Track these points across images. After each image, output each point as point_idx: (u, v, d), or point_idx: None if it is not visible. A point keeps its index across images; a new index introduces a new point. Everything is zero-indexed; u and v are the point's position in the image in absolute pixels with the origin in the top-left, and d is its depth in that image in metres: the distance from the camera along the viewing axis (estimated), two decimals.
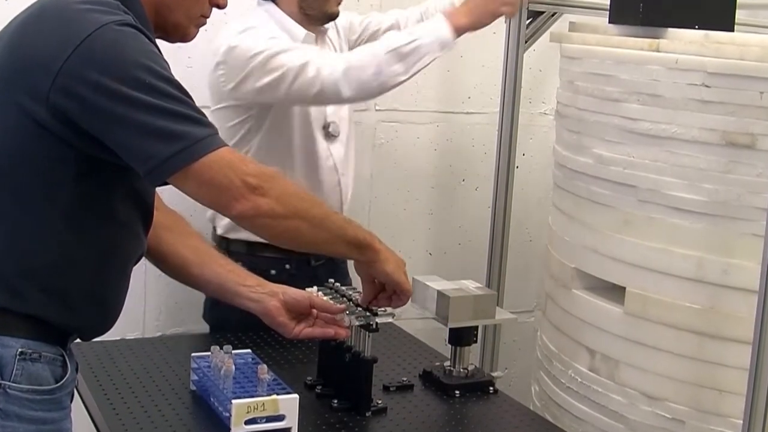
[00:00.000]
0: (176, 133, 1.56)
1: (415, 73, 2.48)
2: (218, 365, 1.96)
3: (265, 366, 1.93)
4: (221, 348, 2.01)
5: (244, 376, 1.97)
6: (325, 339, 2.05)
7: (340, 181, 2.69)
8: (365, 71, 2.42)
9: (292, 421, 1.85)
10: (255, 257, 2.55)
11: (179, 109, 1.57)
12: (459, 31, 2.47)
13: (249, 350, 2.12)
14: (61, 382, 1.67)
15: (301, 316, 1.97)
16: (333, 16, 2.67)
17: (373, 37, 2.80)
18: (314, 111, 2.64)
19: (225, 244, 2.65)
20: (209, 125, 1.61)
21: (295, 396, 1.87)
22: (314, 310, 1.99)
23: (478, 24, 2.52)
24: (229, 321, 2.39)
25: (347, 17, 2.82)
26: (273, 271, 2.56)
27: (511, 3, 2.57)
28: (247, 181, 1.60)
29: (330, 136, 2.67)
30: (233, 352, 2.01)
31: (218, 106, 2.63)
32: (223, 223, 2.66)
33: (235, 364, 1.95)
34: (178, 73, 3.27)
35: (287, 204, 1.66)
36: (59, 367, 1.67)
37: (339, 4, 2.65)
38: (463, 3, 2.56)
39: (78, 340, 1.77)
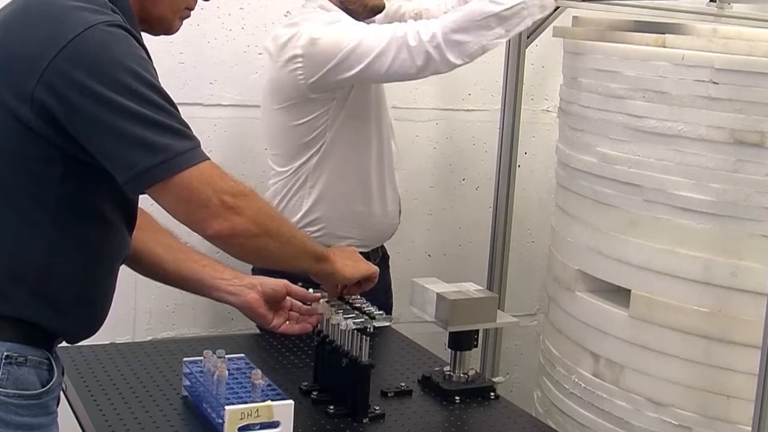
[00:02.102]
0: (159, 145, 1.57)
1: (511, 36, 2.54)
2: (211, 370, 1.96)
3: (259, 371, 1.93)
4: (214, 353, 2.00)
5: (237, 382, 1.97)
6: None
7: (395, 176, 2.76)
8: (466, 35, 2.43)
9: (287, 427, 1.85)
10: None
11: (163, 120, 1.58)
12: None
13: (243, 355, 2.12)
14: (48, 386, 1.67)
15: (277, 305, 2.04)
16: (377, 9, 2.67)
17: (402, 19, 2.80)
18: (385, 101, 2.69)
19: None
20: (192, 138, 1.62)
21: (290, 402, 1.87)
22: (288, 298, 2.05)
23: None
24: None
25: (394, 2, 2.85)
26: None
27: None
28: (224, 200, 1.63)
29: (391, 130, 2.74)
30: (226, 356, 2.01)
31: (288, 102, 2.63)
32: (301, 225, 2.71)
33: (228, 369, 1.95)
34: (169, 68, 3.29)
35: (260, 223, 1.70)
36: (45, 370, 1.67)
37: None
38: None
39: (64, 343, 1.77)
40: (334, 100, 2.60)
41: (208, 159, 1.63)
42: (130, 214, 1.78)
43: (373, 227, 2.71)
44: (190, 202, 1.61)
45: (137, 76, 1.57)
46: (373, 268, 2.07)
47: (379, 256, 2.80)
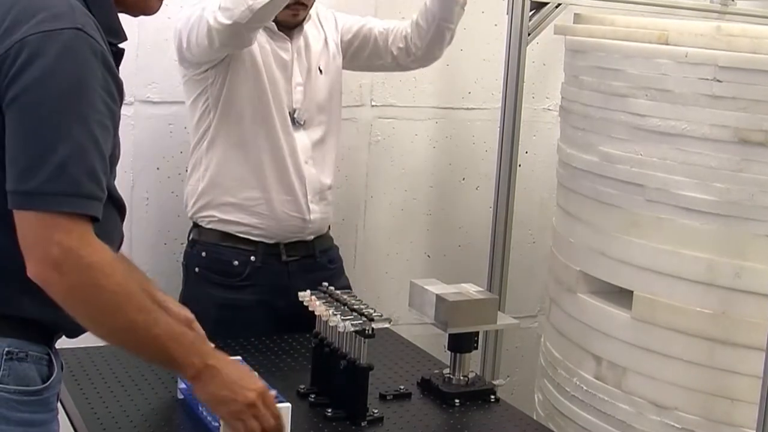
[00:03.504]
0: (70, 177, 1.53)
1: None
2: None
3: (255, 373, 1.93)
4: None
5: None
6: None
7: (301, 168, 2.70)
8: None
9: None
10: (222, 247, 2.69)
11: (89, 156, 1.55)
12: None
13: (239, 357, 2.12)
14: (48, 382, 1.67)
15: None
16: (290, 25, 2.71)
17: (365, 39, 2.85)
18: (279, 96, 2.68)
19: (197, 232, 2.75)
20: (101, 191, 1.58)
21: (288, 405, 1.87)
22: None
23: None
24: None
25: (346, 18, 2.88)
26: (236, 262, 2.68)
27: None
28: (55, 256, 1.54)
29: (295, 122, 2.71)
30: None
31: (184, 79, 2.75)
32: (195, 208, 2.74)
33: None
34: (165, 67, 3.29)
35: (75, 295, 1.58)
36: (45, 366, 1.68)
37: (296, 15, 2.68)
38: None
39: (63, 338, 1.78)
40: (209, 81, 2.66)
41: (98, 220, 1.58)
42: (118, 205, 1.77)
43: (275, 217, 2.69)
44: (38, 241, 1.55)
45: (88, 97, 1.55)
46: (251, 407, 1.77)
47: (299, 255, 2.74)
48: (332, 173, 2.82)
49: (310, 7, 2.73)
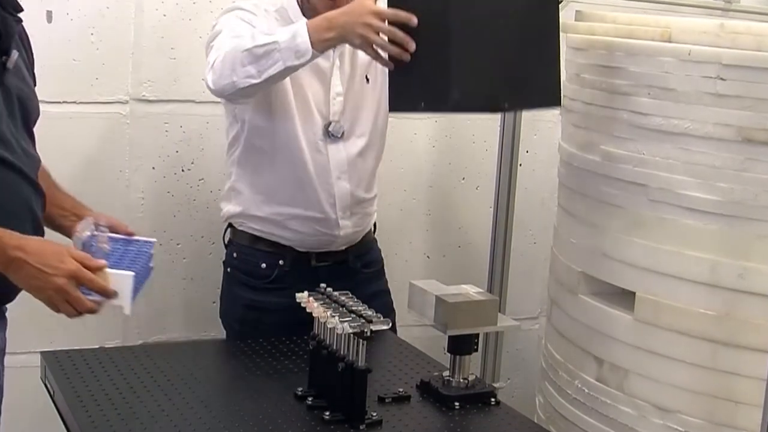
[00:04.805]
0: None
1: (269, 79, 2.38)
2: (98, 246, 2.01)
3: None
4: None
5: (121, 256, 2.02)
6: None
7: (332, 186, 2.65)
8: (224, 66, 2.37)
9: (124, 300, 1.87)
10: (252, 249, 2.69)
11: None
12: (319, 47, 2.33)
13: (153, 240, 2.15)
14: None
15: None
16: None
17: None
18: (310, 111, 2.62)
19: (231, 233, 2.77)
20: None
21: (129, 274, 1.87)
22: None
23: (342, 41, 2.37)
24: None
25: None
26: (264, 264, 2.68)
27: (376, 28, 2.27)
28: None
29: (330, 136, 2.65)
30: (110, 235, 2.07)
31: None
32: (227, 212, 2.74)
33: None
34: (161, 64, 3.28)
35: None
36: None
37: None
38: (328, 13, 2.38)
39: (53, 346, 1.80)
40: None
41: None
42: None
43: (302, 232, 2.65)
44: None
45: None
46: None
47: (331, 261, 2.71)
48: (373, 185, 2.76)
49: None
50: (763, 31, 2.27)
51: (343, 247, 2.73)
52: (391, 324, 2.07)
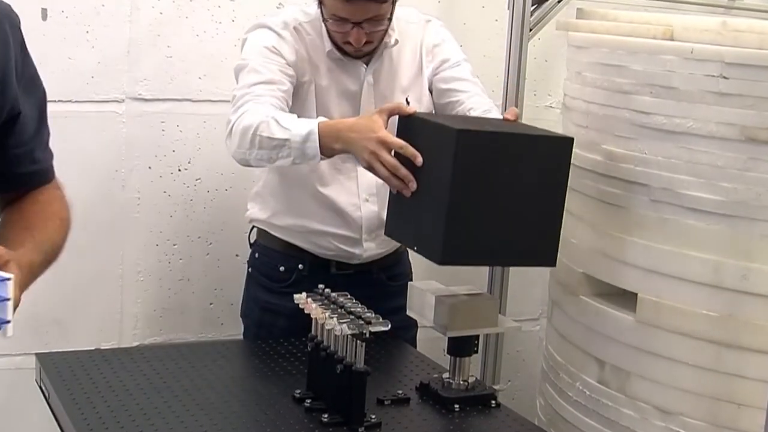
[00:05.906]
0: None
1: (281, 166, 2.44)
2: None
3: None
4: None
5: None
6: None
7: (358, 208, 2.64)
8: (244, 141, 2.38)
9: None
10: (273, 251, 2.70)
11: None
12: (327, 153, 2.33)
13: None
14: None
15: None
16: (352, 56, 2.56)
17: (449, 107, 2.65)
18: None
19: (255, 233, 2.77)
20: None
21: (9, 276, 1.76)
22: None
23: (347, 151, 2.34)
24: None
25: (453, 67, 2.66)
26: (282, 267, 2.68)
27: (384, 161, 2.24)
28: None
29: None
30: None
31: None
32: (251, 213, 2.76)
33: None
34: (157, 62, 3.28)
35: None
36: None
37: (361, 45, 2.49)
38: (340, 122, 2.39)
39: (48, 348, 1.78)
40: None
41: None
42: None
43: (323, 246, 2.65)
44: None
45: None
46: None
47: (352, 270, 2.69)
48: None
49: (379, 42, 2.54)
50: (766, 29, 2.27)
51: (366, 261, 2.71)
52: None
